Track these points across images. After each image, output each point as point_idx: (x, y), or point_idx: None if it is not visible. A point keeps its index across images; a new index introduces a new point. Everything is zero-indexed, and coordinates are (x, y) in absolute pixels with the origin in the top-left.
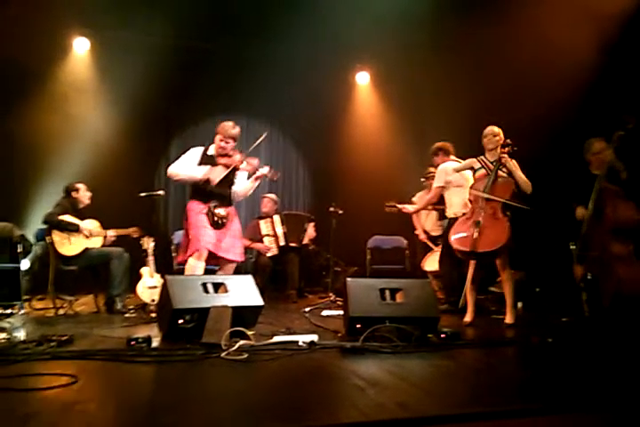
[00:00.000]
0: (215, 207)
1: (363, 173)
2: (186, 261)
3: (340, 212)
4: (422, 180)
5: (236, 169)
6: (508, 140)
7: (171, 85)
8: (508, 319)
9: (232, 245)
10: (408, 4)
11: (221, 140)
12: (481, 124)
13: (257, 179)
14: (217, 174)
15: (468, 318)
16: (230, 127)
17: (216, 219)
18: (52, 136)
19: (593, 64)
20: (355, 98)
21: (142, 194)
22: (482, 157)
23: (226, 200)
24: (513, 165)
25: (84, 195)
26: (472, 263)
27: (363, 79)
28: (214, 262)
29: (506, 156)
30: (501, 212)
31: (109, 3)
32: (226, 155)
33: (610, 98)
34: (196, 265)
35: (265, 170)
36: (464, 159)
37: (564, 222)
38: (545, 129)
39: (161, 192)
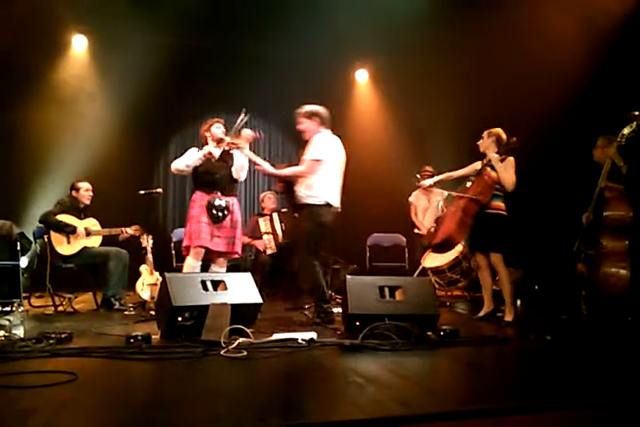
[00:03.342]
0: (215, 200)
1: (361, 171)
2: (188, 247)
3: (339, 209)
4: (417, 177)
5: (229, 150)
6: (512, 139)
7: (170, 83)
8: (507, 317)
9: (227, 238)
10: (407, 1)
11: (217, 128)
12: (480, 122)
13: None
14: (215, 151)
15: (482, 312)
16: (211, 120)
17: (215, 212)
18: (51, 133)
19: (595, 61)
20: (354, 96)
21: (141, 192)
22: (485, 158)
23: (228, 189)
24: (507, 162)
25: (83, 195)
26: (477, 261)
27: (362, 77)
28: (208, 258)
29: (494, 156)
30: (463, 210)
31: (108, 1)
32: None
33: (613, 96)
34: (193, 264)
35: (249, 131)
36: (465, 159)
37: (563, 221)
38: (548, 127)
39: (159, 190)
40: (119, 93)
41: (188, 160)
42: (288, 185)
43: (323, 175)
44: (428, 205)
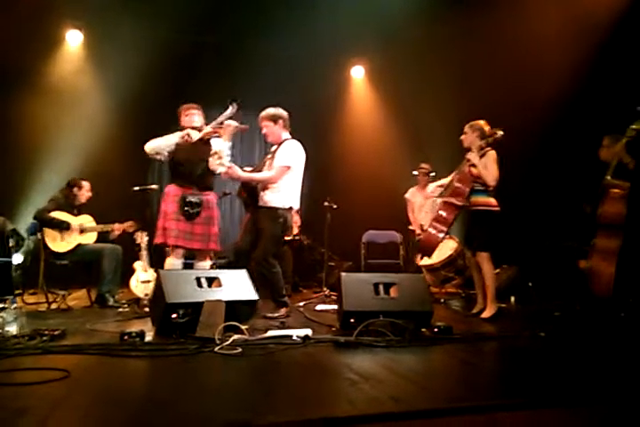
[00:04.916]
0: (188, 196)
1: (357, 168)
2: (161, 243)
3: (335, 206)
4: (415, 173)
5: (209, 140)
6: (495, 131)
7: (165, 79)
8: (486, 313)
9: (202, 235)
10: None
11: (186, 116)
12: (477, 119)
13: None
14: (194, 135)
15: (475, 309)
16: (185, 106)
17: (186, 208)
18: (45, 129)
19: (592, 58)
20: (350, 92)
21: (136, 188)
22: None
23: (204, 183)
24: (487, 157)
25: (83, 194)
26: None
27: (358, 73)
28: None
29: (472, 154)
30: (438, 211)
31: None
32: (197, 129)
33: (610, 92)
34: (174, 263)
35: (233, 122)
36: (461, 156)
37: (558, 218)
38: (545, 123)
39: (154, 186)
40: (114, 89)
41: (163, 139)
42: (251, 190)
43: (289, 180)
44: (423, 202)
